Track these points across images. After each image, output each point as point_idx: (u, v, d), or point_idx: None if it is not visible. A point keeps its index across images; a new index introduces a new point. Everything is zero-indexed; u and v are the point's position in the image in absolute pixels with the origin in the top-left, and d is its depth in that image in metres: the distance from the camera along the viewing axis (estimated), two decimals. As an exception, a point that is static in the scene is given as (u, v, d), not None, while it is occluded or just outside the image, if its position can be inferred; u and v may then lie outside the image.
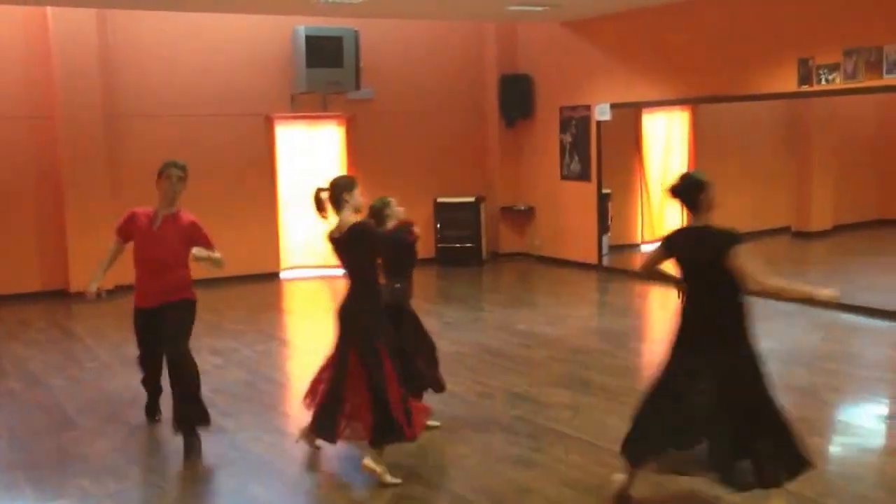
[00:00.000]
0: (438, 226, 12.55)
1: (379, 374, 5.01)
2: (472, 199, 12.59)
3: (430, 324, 9.00)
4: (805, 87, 9.24)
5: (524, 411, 6.22)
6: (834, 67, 8.92)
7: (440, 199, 12.51)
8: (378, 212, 5.73)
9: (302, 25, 11.35)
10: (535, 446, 5.53)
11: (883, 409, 6.34)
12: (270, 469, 5.37)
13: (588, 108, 11.88)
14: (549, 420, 6.00)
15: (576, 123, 12.10)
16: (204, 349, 8.14)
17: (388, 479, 5.01)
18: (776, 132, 12.44)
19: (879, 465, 5.31)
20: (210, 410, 6.05)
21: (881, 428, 5.99)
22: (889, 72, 8.49)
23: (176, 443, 5.67)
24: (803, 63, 9.20)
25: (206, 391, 6.73)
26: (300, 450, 5.66)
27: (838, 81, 8.91)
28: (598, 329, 9.06)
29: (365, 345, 5.08)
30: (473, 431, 5.84)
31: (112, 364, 7.76)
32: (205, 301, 10.04)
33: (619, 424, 5.81)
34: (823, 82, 9.05)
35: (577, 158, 12.14)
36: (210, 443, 5.71)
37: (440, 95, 12.75)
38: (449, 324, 9.13)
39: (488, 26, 12.90)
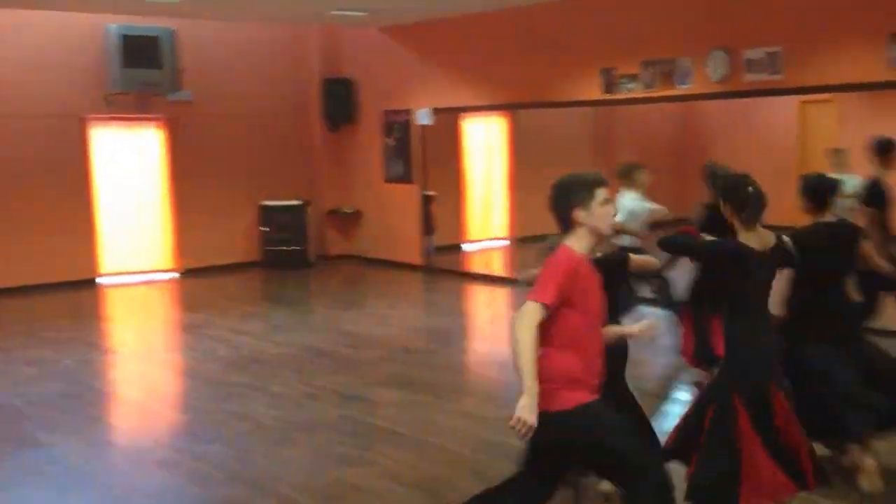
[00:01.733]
0: (265, 230, 12.48)
1: None
2: (298, 203, 12.59)
3: (256, 327, 9.07)
4: (608, 96, 9.86)
5: (352, 411, 6.34)
6: (634, 77, 9.58)
7: (265, 203, 12.45)
8: None
9: (115, 24, 11.00)
10: (362, 445, 5.66)
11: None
12: (92, 482, 5.26)
13: (409, 112, 12.14)
14: (376, 419, 6.15)
15: (398, 127, 12.34)
16: (18, 360, 7.83)
17: None
18: (587, 138, 13.12)
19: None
20: (26, 423, 5.86)
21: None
22: (680, 82, 9.22)
23: (-11, 459, 5.47)
24: (606, 72, 9.81)
25: (20, 403, 6.54)
26: (125, 460, 5.58)
27: (638, 90, 9.58)
28: (423, 328, 9.30)
29: None
30: (300, 432, 5.92)
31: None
32: (16, 310, 9.78)
33: (445, 420, 6.09)
34: (625, 91, 9.70)
35: (400, 161, 12.38)
36: (26, 457, 5.53)
37: (263, 98, 12.67)
38: (276, 326, 9.16)
39: (311, 30, 12.93)
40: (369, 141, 12.77)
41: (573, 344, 3.48)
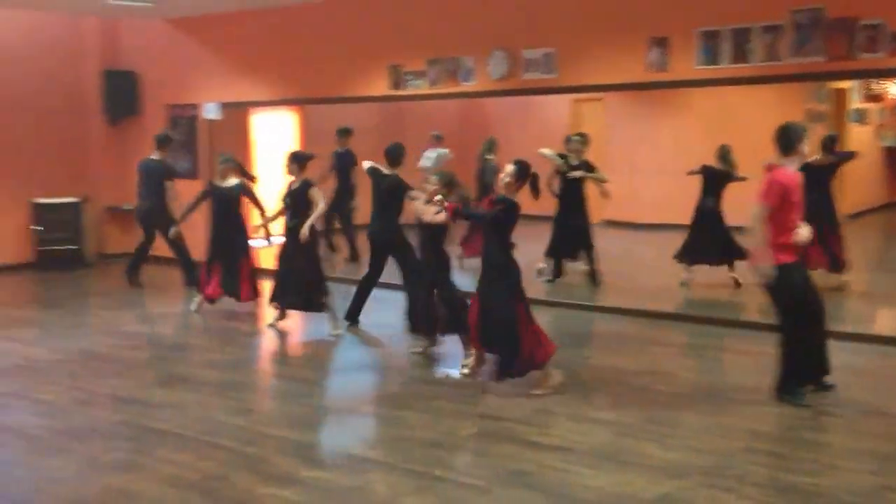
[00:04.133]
0: (38, 228, 11.73)
1: None
2: (74, 200, 11.93)
3: (26, 333, 8.48)
4: (396, 91, 9.98)
5: (128, 415, 6.08)
6: (421, 74, 9.74)
7: (38, 200, 11.71)
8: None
9: None
10: (137, 448, 5.45)
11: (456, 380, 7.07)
12: None
13: (196, 106, 11.78)
14: (153, 420, 5.92)
15: (185, 122, 11.93)
16: None
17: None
18: (376, 132, 13.22)
19: (455, 429, 5.91)
20: None
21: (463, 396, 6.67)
22: (464, 79, 9.47)
23: None
24: (393, 69, 9.93)
25: None
26: None
27: (424, 87, 9.75)
28: (199, 325, 9.03)
29: None
30: (71, 441, 5.60)
31: None
32: None
33: (223, 418, 5.95)
34: (411, 87, 9.84)
35: (187, 156, 11.97)
36: None
37: (35, 90, 11.89)
38: (48, 331, 8.62)
39: (90, 20, 12.25)
40: (154, 135, 12.24)
41: None
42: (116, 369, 7.25)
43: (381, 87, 10.06)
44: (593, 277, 9.91)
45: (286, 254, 8.32)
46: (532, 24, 9.04)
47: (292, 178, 8.24)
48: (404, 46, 9.86)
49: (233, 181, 9.03)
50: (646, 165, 14.53)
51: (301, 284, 8.19)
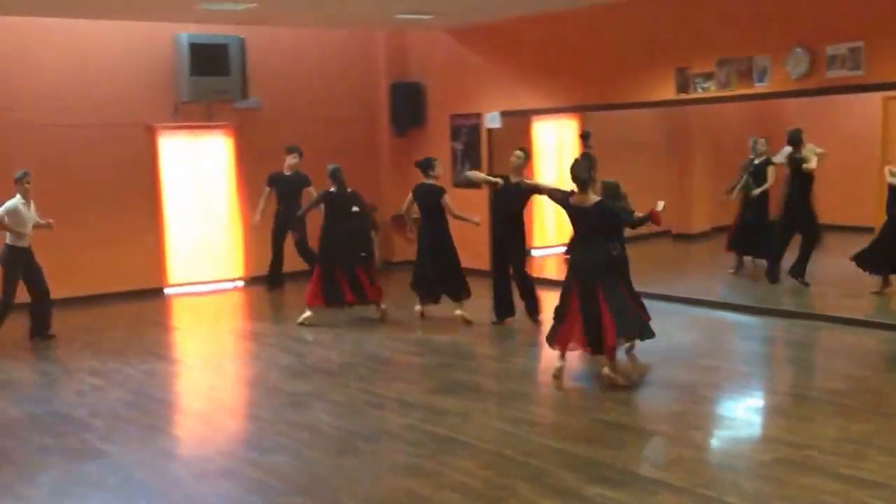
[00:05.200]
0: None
1: None
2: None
3: (322, 336, 8.95)
4: (682, 96, 9.55)
5: (413, 419, 6.20)
6: (709, 76, 9.26)
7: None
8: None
9: (184, 33, 11.09)
10: (423, 453, 5.52)
11: (757, 402, 6.61)
12: (153, 493, 5.20)
13: (478, 115, 11.98)
14: (438, 426, 5.99)
15: (467, 131, 12.18)
16: (83, 370, 7.87)
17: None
18: (658, 139, 12.80)
19: (751, 454, 5.49)
20: (87, 435, 5.85)
21: (755, 419, 6.23)
22: (759, 80, 8.87)
23: (52, 471, 5.46)
24: (680, 72, 9.51)
25: (83, 415, 6.54)
26: (187, 470, 5.53)
27: (713, 90, 9.25)
28: (487, 335, 9.06)
29: None
30: (363, 441, 5.79)
31: None
32: (82, 320, 9.86)
33: (505, 427, 5.91)
34: (699, 91, 9.38)
35: (468, 166, 12.20)
36: (89, 468, 5.51)
37: (330, 104, 12.65)
38: (339, 335, 9.02)
39: (378, 34, 12.88)
40: (437, 146, 12.62)
41: None
42: (402, 374, 7.46)
43: (666, 91, 9.67)
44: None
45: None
46: (835, 17, 8.30)
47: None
48: (692, 47, 9.42)
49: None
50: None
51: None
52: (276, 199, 11.30)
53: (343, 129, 12.76)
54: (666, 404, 6.60)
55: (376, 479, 5.21)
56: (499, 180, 8.80)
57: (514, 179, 8.67)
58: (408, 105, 12.78)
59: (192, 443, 6.26)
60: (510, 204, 8.69)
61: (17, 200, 8.65)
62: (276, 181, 11.33)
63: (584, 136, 11.57)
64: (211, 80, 11.22)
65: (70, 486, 5.27)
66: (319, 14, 10.73)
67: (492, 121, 11.77)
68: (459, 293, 9.12)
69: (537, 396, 7.04)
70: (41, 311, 8.94)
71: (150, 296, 11.24)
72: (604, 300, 6.66)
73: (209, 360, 8.56)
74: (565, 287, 6.96)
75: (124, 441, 6.03)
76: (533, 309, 8.94)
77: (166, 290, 11.49)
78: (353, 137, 12.86)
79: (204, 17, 10.41)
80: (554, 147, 13.03)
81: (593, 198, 6.80)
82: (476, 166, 12.05)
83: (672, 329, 8.25)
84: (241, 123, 11.92)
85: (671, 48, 9.63)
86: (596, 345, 6.72)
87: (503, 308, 9.04)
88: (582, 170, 6.80)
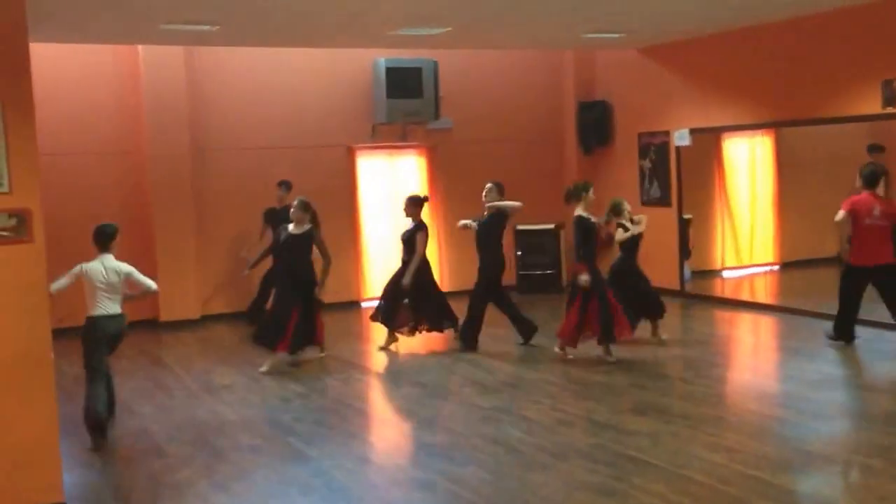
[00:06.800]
0: (519, 253, 12.58)
1: None
2: (551, 226, 12.60)
3: (509, 350, 9.09)
4: (890, 109, 9.05)
5: (603, 439, 6.20)
6: (919, 88, 8.75)
7: (520, 227, 12.53)
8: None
9: (382, 58, 11.61)
10: (614, 474, 5.52)
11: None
12: (354, 497, 5.47)
13: (667, 133, 11.82)
14: (627, 448, 5.97)
15: (655, 149, 12.04)
16: (286, 377, 8.35)
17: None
18: (860, 154, 12.15)
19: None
20: (292, 438, 6.20)
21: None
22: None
23: (261, 471, 5.85)
24: (887, 84, 9.02)
25: (288, 420, 6.95)
26: (384, 478, 5.77)
27: (924, 103, 8.74)
28: (679, 356, 8.92)
29: None
30: (552, 458, 5.86)
31: (198, 392, 8.02)
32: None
33: (699, 452, 5.80)
34: (909, 104, 8.87)
35: (656, 184, 12.07)
36: (294, 470, 5.86)
37: (518, 124, 12.84)
38: (531, 352, 9.12)
39: (566, 54, 12.97)
40: (624, 164, 12.56)
41: None
42: (590, 393, 7.46)
43: (871, 104, 9.20)
44: None
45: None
46: None
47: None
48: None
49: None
50: None
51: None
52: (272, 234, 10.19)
53: (531, 148, 12.92)
54: (878, 437, 6.28)
55: (566, 496, 5.24)
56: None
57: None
58: (595, 124, 12.78)
59: (387, 451, 6.53)
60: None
61: None
62: (270, 217, 10.71)
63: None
64: (405, 103, 11.68)
65: (278, 487, 5.63)
66: (510, 36, 10.93)
67: (681, 139, 11.58)
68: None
69: (729, 422, 6.87)
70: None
71: (348, 308, 11.75)
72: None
73: (401, 371, 8.87)
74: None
75: (325, 446, 6.36)
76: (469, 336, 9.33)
77: (363, 304, 11.98)
78: (540, 156, 12.99)
79: (401, 42, 10.85)
80: (746, 164, 12.67)
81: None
82: (665, 184, 11.90)
83: (878, 358, 7.83)
84: (433, 143, 12.30)
85: (876, 58, 9.15)
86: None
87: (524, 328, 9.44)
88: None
